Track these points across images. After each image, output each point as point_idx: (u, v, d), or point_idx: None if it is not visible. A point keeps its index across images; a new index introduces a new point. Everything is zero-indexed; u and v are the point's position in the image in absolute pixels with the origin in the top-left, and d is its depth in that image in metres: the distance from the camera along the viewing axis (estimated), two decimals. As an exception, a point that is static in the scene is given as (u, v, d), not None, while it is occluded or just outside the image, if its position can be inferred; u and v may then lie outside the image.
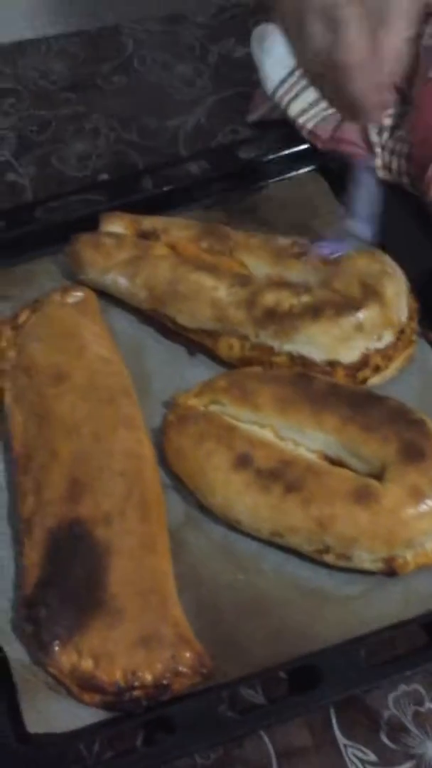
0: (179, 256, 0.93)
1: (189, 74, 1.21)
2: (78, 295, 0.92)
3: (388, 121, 0.99)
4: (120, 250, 0.94)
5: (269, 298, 0.85)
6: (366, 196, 0.86)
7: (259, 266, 0.90)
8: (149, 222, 0.97)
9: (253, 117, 1.12)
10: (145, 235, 0.96)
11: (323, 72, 0.76)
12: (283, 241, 0.91)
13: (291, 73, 1.03)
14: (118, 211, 0.98)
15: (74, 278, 0.96)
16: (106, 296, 0.95)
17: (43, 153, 1.13)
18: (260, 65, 1.06)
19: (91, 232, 0.96)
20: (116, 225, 0.97)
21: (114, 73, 1.22)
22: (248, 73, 1.12)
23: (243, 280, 0.88)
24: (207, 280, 0.88)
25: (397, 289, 0.84)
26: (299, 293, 0.85)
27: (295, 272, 0.88)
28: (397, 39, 0.74)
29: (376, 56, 0.73)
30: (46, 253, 1.00)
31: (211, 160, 1.05)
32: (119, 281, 0.93)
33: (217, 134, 1.13)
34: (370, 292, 0.83)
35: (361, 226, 0.87)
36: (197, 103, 1.17)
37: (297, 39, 0.78)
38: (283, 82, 1.04)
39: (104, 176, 1.10)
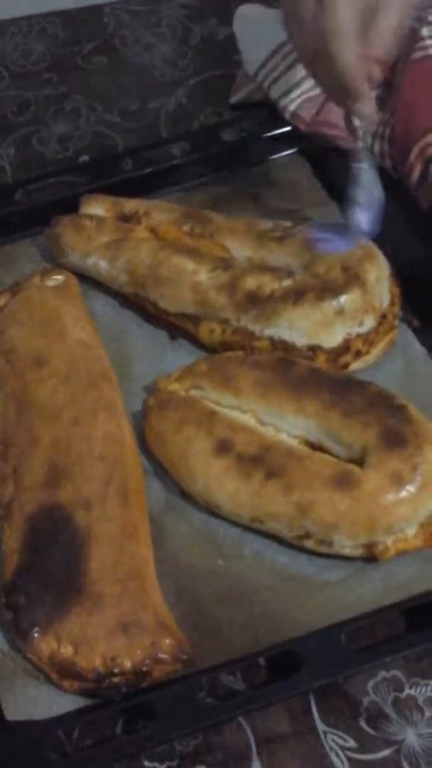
0: (160, 239, 0.92)
1: (171, 55, 1.20)
2: (58, 278, 0.91)
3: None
4: (101, 233, 0.93)
5: (250, 282, 0.84)
6: (367, 188, 0.85)
7: (240, 250, 0.89)
8: (130, 205, 0.96)
9: (235, 99, 1.11)
10: (126, 218, 0.95)
11: (315, 47, 0.76)
12: (265, 224, 0.90)
13: (273, 55, 1.03)
14: (99, 194, 0.97)
15: (55, 261, 0.95)
16: (87, 280, 0.94)
17: (23, 134, 1.12)
18: (242, 46, 1.05)
19: (72, 215, 0.95)
20: (97, 207, 0.96)
21: (95, 53, 1.21)
22: (231, 54, 1.11)
23: (224, 263, 0.87)
24: (188, 264, 0.87)
25: (378, 274, 0.84)
26: (281, 277, 0.84)
27: (277, 256, 0.87)
28: (392, 16, 0.74)
29: (367, 29, 0.73)
30: (25, 235, 0.99)
31: (193, 142, 1.04)
32: (100, 264, 0.92)
33: (199, 116, 1.12)
34: (352, 277, 0.82)
35: (364, 219, 0.85)
36: (179, 84, 1.16)
37: (291, 13, 0.77)
38: (265, 63, 1.03)
39: (85, 158, 1.09)
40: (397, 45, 0.77)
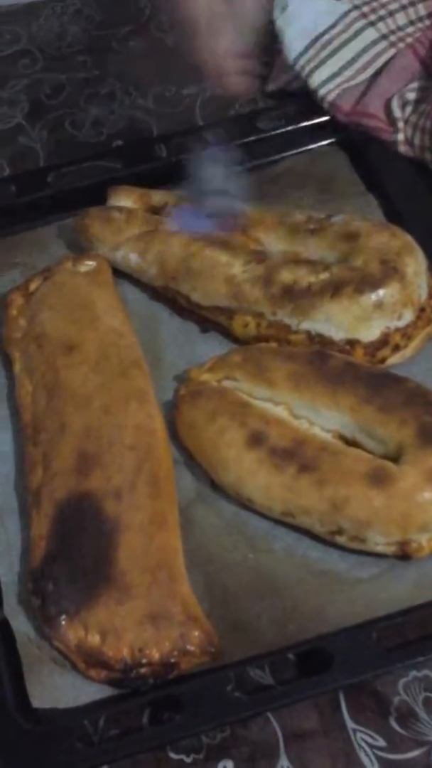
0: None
1: (208, 41, 1.18)
2: (90, 264, 0.90)
3: (411, 95, 0.97)
4: (130, 225, 0.92)
5: (286, 276, 0.83)
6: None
7: (274, 242, 0.88)
8: (159, 196, 0.95)
9: (272, 86, 1.09)
10: (155, 210, 0.94)
11: None
12: (299, 216, 0.89)
13: (313, 43, 1.02)
14: (127, 185, 0.96)
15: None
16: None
17: (57, 117, 1.11)
18: (282, 34, 1.03)
19: (100, 207, 0.94)
20: (125, 199, 0.95)
21: (131, 37, 1.20)
22: (269, 41, 1.09)
23: (258, 256, 0.86)
24: (221, 257, 0.86)
25: (416, 267, 0.82)
26: (317, 270, 0.83)
27: (312, 249, 0.86)
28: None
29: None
30: (58, 219, 0.98)
31: (228, 129, 1.03)
32: (130, 257, 0.91)
33: (234, 104, 1.10)
34: (390, 270, 0.81)
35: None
36: (215, 72, 1.14)
37: None
38: (304, 52, 1.02)
39: (118, 143, 1.08)
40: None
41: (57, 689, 0.70)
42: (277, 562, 0.75)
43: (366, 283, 0.80)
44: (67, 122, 1.11)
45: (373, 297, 0.80)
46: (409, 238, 0.85)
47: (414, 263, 0.82)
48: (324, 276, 0.82)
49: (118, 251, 0.91)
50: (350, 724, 0.68)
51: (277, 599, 0.73)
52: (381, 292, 0.80)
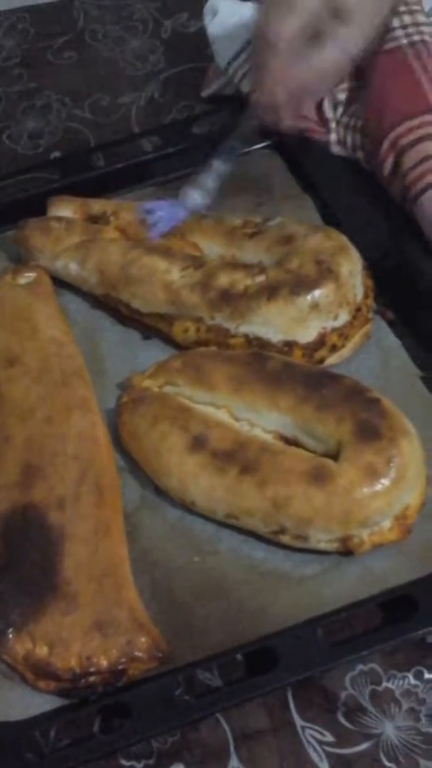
0: (130, 239, 0.91)
1: (142, 49, 1.19)
2: (30, 275, 0.90)
3: (342, 96, 0.98)
4: (69, 234, 0.92)
5: (223, 280, 0.84)
6: (215, 170, 0.89)
7: (211, 247, 0.89)
8: (98, 205, 0.95)
9: (206, 92, 1.10)
10: (95, 219, 0.95)
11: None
12: (236, 221, 0.90)
13: (243, 49, 1.02)
14: (66, 195, 0.97)
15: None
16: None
17: (-6, 131, 1.12)
18: (213, 40, 1.04)
19: (39, 218, 0.95)
20: (64, 209, 0.96)
21: (65, 48, 1.20)
22: (202, 48, 1.10)
23: (196, 262, 0.87)
24: (159, 263, 0.87)
25: (351, 267, 0.83)
26: (253, 274, 0.84)
27: (249, 252, 0.87)
28: (327, 59, 0.80)
29: (302, 67, 0.80)
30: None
31: (165, 136, 1.03)
32: (70, 267, 0.91)
33: (171, 110, 1.11)
34: (325, 271, 0.82)
35: (197, 196, 0.89)
36: (150, 79, 1.16)
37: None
38: (235, 57, 1.03)
39: (56, 154, 1.08)
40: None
41: (6, 702, 0.70)
42: (223, 564, 0.75)
43: (301, 284, 0.81)
44: (4, 135, 1.11)
45: (309, 298, 0.81)
46: (343, 238, 0.86)
47: (348, 263, 0.83)
48: (260, 279, 0.83)
49: (58, 261, 0.92)
50: (299, 721, 0.69)
51: (224, 601, 0.73)
52: (316, 293, 0.81)
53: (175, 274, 0.86)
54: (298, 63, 0.80)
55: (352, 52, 0.80)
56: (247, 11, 1.04)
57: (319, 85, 0.84)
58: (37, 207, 0.96)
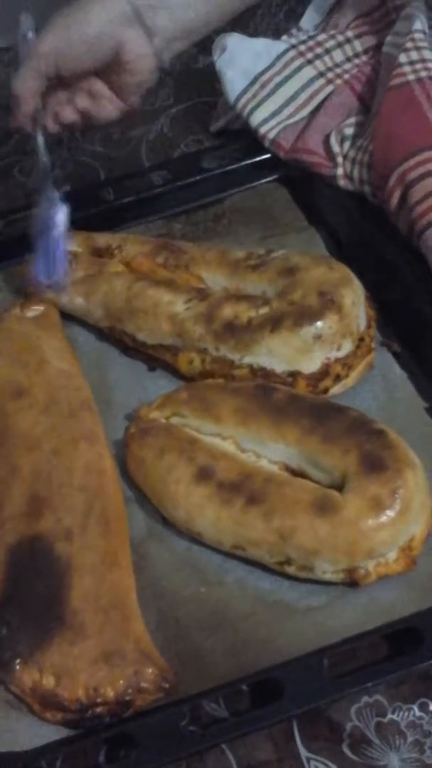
0: (135, 272, 0.92)
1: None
2: (38, 308, 0.91)
3: (349, 131, 0.99)
4: (75, 268, 0.93)
5: (227, 311, 0.85)
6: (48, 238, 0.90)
7: (215, 279, 0.90)
8: (103, 239, 0.96)
9: (215, 126, 1.12)
10: (100, 253, 0.96)
11: None
12: (239, 253, 0.91)
13: (252, 83, 1.04)
14: (74, 229, 0.98)
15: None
16: (66, 310, 0.95)
17: (6, 165, 1.13)
18: (222, 75, 1.06)
19: None
20: (70, 243, 0.96)
21: (77, 83, 1.21)
22: (211, 82, 1.12)
23: (200, 294, 0.88)
24: (164, 296, 0.88)
25: (354, 297, 0.84)
26: (257, 305, 0.84)
27: (252, 284, 0.88)
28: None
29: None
30: (6, 266, 0.99)
31: (174, 170, 1.05)
32: (75, 300, 0.92)
33: (180, 144, 1.13)
34: (328, 302, 0.83)
35: (41, 270, 0.90)
36: (160, 113, 1.17)
37: None
38: (244, 92, 1.04)
39: (66, 188, 1.09)
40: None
41: (13, 732, 0.70)
42: (229, 595, 0.76)
43: (304, 315, 0.82)
44: (15, 169, 1.12)
45: (312, 329, 0.82)
46: (346, 270, 0.86)
47: (351, 294, 0.84)
48: (264, 310, 0.84)
49: (64, 295, 0.92)
50: (304, 752, 0.69)
51: (230, 631, 0.74)
52: (319, 324, 0.82)
53: (179, 306, 0.87)
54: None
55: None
56: (256, 47, 1.06)
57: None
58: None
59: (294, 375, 0.82)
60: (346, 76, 1.04)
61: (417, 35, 0.96)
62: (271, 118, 1.03)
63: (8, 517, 0.76)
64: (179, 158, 1.10)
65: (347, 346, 0.83)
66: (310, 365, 0.82)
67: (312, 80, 1.04)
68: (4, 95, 1.19)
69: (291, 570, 0.74)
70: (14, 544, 0.75)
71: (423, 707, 0.70)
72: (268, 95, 1.04)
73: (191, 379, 0.87)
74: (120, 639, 0.71)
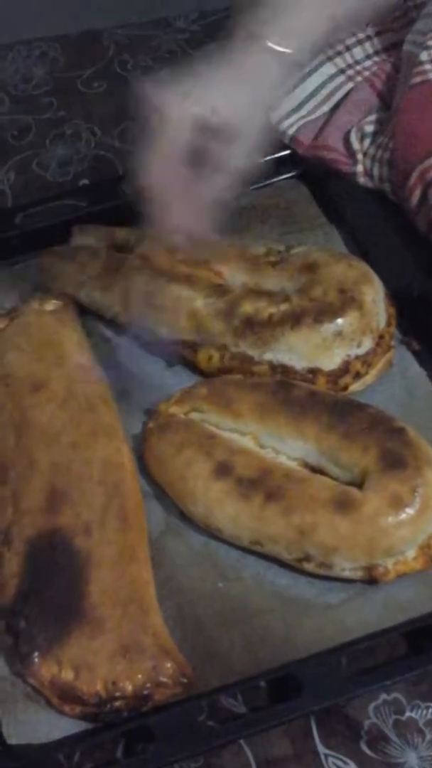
0: (154, 267, 0.92)
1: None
2: (56, 303, 0.91)
3: (369, 128, 0.99)
4: (93, 263, 0.93)
5: (247, 308, 0.85)
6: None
7: (235, 275, 0.90)
8: (122, 234, 0.96)
9: (234, 122, 1.11)
10: (119, 247, 0.95)
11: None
12: (259, 249, 0.91)
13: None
14: (93, 223, 0.98)
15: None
16: (85, 304, 0.95)
17: (24, 158, 1.13)
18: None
19: (63, 246, 0.96)
20: (89, 237, 0.97)
21: (95, 77, 1.22)
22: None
23: (220, 290, 0.88)
24: (183, 291, 0.88)
25: (374, 295, 0.84)
26: (277, 302, 0.84)
27: (272, 280, 0.87)
28: (213, 189, 0.76)
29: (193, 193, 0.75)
30: (25, 259, 0.99)
31: (193, 165, 1.04)
32: (94, 295, 0.92)
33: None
34: (349, 299, 0.83)
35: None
36: (179, 108, 1.16)
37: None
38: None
39: (85, 181, 1.09)
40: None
41: (31, 725, 0.70)
42: (247, 590, 0.76)
43: (325, 312, 0.82)
44: (34, 163, 1.12)
45: (333, 326, 0.82)
46: (366, 267, 0.86)
47: (372, 292, 0.84)
48: (284, 307, 0.84)
49: (83, 289, 0.92)
50: (321, 749, 0.69)
51: (248, 627, 0.74)
52: (340, 321, 0.82)
53: (199, 302, 0.87)
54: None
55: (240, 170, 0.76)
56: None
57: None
58: (63, 235, 0.98)
59: (314, 372, 0.82)
60: (367, 74, 1.03)
61: (438, 33, 0.96)
62: (290, 114, 1.03)
63: (27, 510, 0.77)
64: (198, 153, 1.10)
65: (367, 344, 0.83)
66: (330, 362, 0.82)
67: (332, 77, 1.04)
68: (21, 89, 1.21)
69: (309, 567, 0.74)
70: (33, 537, 0.75)
71: (441, 705, 0.70)
72: (287, 92, 1.04)
73: (210, 374, 0.87)
74: (138, 633, 0.71)
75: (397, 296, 0.88)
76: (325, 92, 1.04)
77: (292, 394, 0.80)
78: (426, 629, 0.71)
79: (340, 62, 1.04)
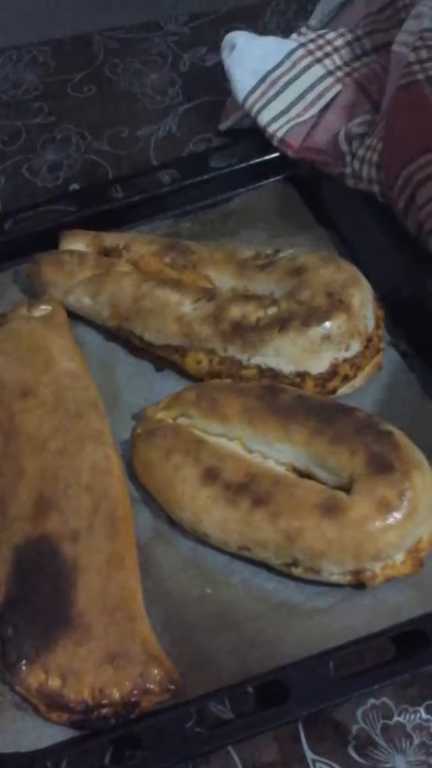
0: (142, 272, 0.92)
1: (160, 83, 1.20)
2: (45, 308, 0.91)
3: (358, 129, 0.98)
4: (82, 268, 0.93)
5: (235, 312, 0.84)
6: None
7: (223, 279, 0.90)
8: (110, 238, 0.96)
9: (224, 125, 1.11)
10: (107, 252, 0.95)
11: None
12: (247, 252, 0.91)
13: (261, 82, 1.04)
14: (81, 228, 0.98)
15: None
16: (74, 310, 0.94)
17: (14, 163, 1.13)
18: (231, 74, 1.05)
19: (52, 252, 0.96)
20: (77, 243, 0.96)
21: (85, 82, 1.22)
22: (220, 81, 1.11)
23: (208, 294, 0.87)
24: (172, 296, 0.87)
25: (362, 298, 0.84)
26: (265, 305, 0.84)
27: (260, 284, 0.87)
28: None
29: None
30: (14, 265, 0.99)
31: (182, 169, 1.04)
32: (83, 300, 0.92)
33: (188, 143, 1.12)
34: (336, 302, 0.82)
35: None
36: (169, 112, 1.17)
37: None
38: (253, 90, 1.04)
39: (75, 186, 1.09)
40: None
41: (19, 733, 0.70)
42: (235, 596, 0.75)
43: (312, 316, 0.82)
44: (23, 168, 1.12)
45: (320, 329, 0.81)
46: (354, 269, 0.86)
47: (360, 294, 0.84)
48: (272, 311, 0.84)
49: (71, 295, 0.92)
50: (309, 754, 0.69)
51: (236, 633, 0.73)
52: (327, 324, 0.81)
53: (187, 306, 0.87)
54: None
55: None
56: (265, 45, 1.05)
57: None
58: (52, 240, 0.97)
59: (302, 375, 0.82)
60: (356, 75, 1.04)
61: (427, 34, 0.96)
62: (279, 116, 1.03)
63: (14, 517, 0.76)
64: (187, 157, 1.10)
65: (355, 347, 0.83)
66: (318, 366, 0.82)
67: (321, 79, 1.04)
68: (11, 94, 1.21)
69: (297, 572, 0.74)
70: (20, 544, 0.75)
71: (429, 710, 0.70)
72: (277, 94, 1.04)
73: (199, 379, 0.87)
74: (126, 640, 0.71)
75: (386, 299, 0.88)
76: (313, 94, 1.04)
77: (280, 399, 0.79)
78: (414, 633, 0.71)
79: (329, 64, 1.04)
